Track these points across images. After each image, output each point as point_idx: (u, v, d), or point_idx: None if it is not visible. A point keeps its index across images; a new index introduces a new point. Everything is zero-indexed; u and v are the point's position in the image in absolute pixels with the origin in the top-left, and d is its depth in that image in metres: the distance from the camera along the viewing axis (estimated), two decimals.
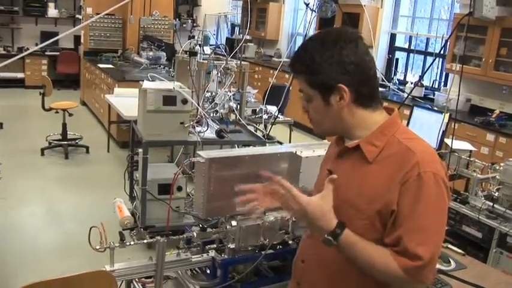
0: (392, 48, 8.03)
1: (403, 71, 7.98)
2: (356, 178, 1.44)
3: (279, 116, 5.02)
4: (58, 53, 10.16)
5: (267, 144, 4.01)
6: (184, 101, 3.69)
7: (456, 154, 3.55)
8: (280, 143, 4.54)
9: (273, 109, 5.27)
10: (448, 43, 6.04)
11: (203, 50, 4.40)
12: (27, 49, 9.05)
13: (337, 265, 1.46)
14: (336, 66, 1.40)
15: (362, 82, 1.43)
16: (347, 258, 1.40)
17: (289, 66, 1.51)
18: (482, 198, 3.38)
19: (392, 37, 8.06)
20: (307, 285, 1.60)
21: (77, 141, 6.60)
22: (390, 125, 1.46)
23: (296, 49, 1.52)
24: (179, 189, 3.82)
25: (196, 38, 4.71)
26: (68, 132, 6.46)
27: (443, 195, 1.37)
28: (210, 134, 3.91)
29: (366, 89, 1.44)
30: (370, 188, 1.40)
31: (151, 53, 8.13)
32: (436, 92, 6.66)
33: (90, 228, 1.90)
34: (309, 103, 1.49)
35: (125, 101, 5.16)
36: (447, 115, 3.55)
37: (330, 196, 1.38)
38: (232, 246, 2.12)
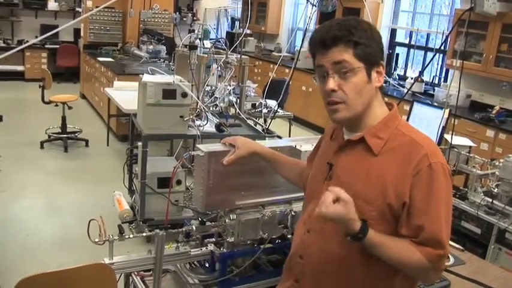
0: (392, 44, 8.01)
1: (403, 67, 7.96)
2: (362, 171, 1.45)
3: (278, 110, 5.01)
4: (58, 46, 10.13)
5: (267, 139, 4.00)
6: (184, 95, 3.68)
7: (456, 150, 3.55)
8: (280, 137, 4.52)
9: (272, 103, 5.26)
10: (449, 39, 6.02)
11: (203, 44, 4.39)
12: (27, 42, 9.01)
13: (340, 259, 1.46)
14: (378, 43, 1.47)
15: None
16: (351, 252, 1.42)
17: (331, 38, 1.41)
18: (482, 194, 3.38)
19: (393, 32, 8.05)
20: (309, 282, 1.57)
21: (76, 134, 6.59)
22: (392, 118, 1.49)
23: (330, 23, 1.44)
24: (178, 182, 3.83)
25: (196, 31, 4.70)
26: (68, 126, 6.45)
27: (451, 186, 1.42)
28: (209, 127, 3.91)
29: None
30: (378, 179, 1.41)
31: (151, 47, 8.11)
32: (436, 88, 6.65)
33: (89, 221, 1.90)
34: (346, 80, 1.42)
35: (125, 94, 5.14)
36: (447, 111, 3.54)
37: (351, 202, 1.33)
38: (231, 240, 2.12)
